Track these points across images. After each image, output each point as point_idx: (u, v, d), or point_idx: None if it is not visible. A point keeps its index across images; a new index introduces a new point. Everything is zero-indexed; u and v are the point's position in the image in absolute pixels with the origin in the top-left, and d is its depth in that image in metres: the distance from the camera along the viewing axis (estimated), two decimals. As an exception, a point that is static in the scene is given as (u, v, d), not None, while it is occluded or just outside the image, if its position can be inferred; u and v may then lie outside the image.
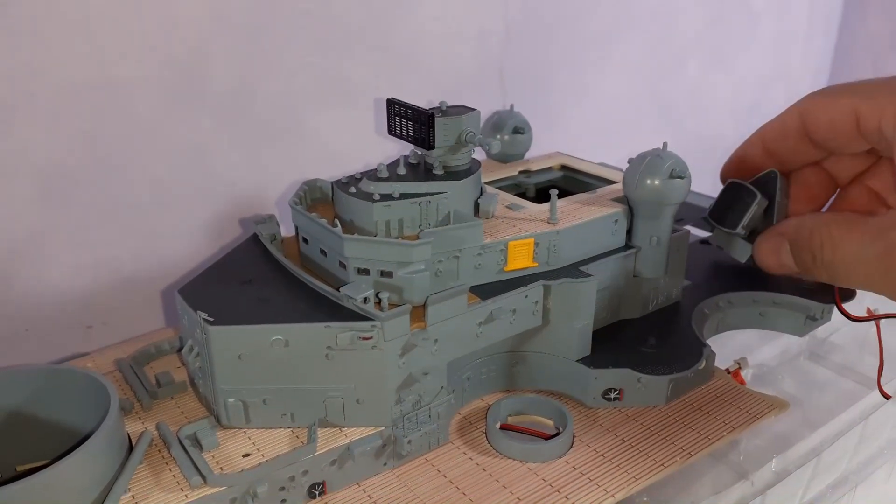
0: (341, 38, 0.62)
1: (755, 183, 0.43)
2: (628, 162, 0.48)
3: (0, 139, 0.49)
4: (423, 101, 0.69)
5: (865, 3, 1.00)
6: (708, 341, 0.54)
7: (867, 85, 0.32)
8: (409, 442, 0.40)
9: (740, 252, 0.47)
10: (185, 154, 0.57)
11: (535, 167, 0.59)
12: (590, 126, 0.83)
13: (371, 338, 0.38)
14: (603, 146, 0.71)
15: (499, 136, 0.59)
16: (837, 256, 0.30)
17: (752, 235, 0.44)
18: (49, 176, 0.52)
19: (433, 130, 0.44)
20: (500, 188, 0.55)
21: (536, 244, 0.45)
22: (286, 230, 0.50)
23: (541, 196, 0.58)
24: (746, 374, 0.55)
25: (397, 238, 0.42)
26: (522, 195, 0.57)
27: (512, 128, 0.59)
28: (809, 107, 0.36)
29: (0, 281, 0.53)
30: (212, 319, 0.38)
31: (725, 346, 0.55)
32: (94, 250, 0.56)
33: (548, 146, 0.68)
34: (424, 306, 0.40)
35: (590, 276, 0.46)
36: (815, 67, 1.06)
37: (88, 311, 0.58)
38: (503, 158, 0.60)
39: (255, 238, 0.48)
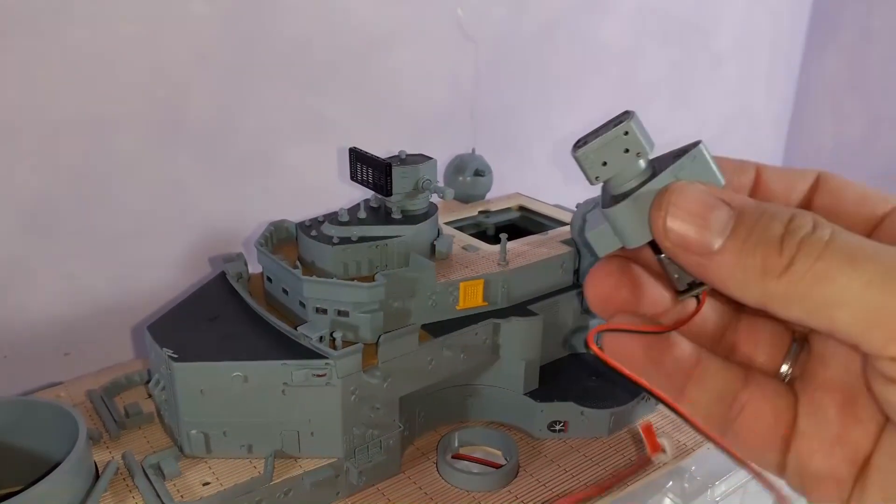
0: (318, 79, 0.65)
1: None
2: (576, 206, 0.51)
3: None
4: (396, 139, 0.73)
5: (823, 47, 1.05)
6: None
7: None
8: (361, 473, 0.43)
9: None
10: (164, 189, 0.60)
11: (494, 207, 0.62)
12: (557, 164, 0.87)
13: (324, 375, 0.41)
14: (568, 184, 0.74)
15: (461, 178, 0.62)
16: (845, 241, 0.17)
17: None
18: (32, 207, 0.55)
19: (391, 179, 0.47)
20: (460, 227, 0.59)
21: (487, 284, 0.48)
22: (256, 268, 0.53)
23: (500, 232, 0.61)
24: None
25: (354, 280, 0.45)
26: (483, 234, 0.61)
27: (473, 170, 0.62)
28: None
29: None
30: (176, 356, 0.41)
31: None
32: (74, 280, 0.59)
33: (516, 183, 0.71)
34: (377, 344, 0.43)
35: (536, 314, 0.49)
36: (776, 108, 1.10)
37: (66, 339, 0.60)
38: (465, 199, 0.63)
39: (222, 276, 0.51)
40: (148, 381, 0.48)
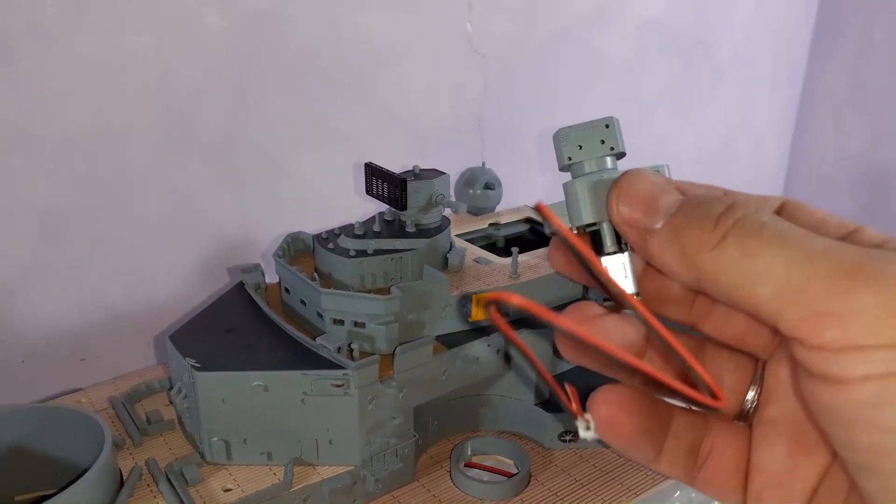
0: (326, 91, 0.67)
1: None
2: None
3: (2, 181, 0.54)
4: (405, 150, 0.74)
5: (825, 60, 1.07)
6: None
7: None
8: (377, 480, 0.44)
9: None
10: (175, 199, 0.62)
11: (504, 220, 0.64)
12: (564, 176, 0.88)
13: (343, 385, 0.42)
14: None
15: (471, 191, 0.64)
16: (777, 224, 0.17)
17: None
18: (47, 216, 0.56)
19: (406, 193, 0.48)
20: (471, 239, 0.60)
21: (499, 297, 0.49)
22: (272, 277, 0.55)
23: (511, 245, 0.63)
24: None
25: (370, 292, 0.46)
26: (493, 245, 0.62)
27: (483, 183, 0.64)
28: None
29: (0, 313, 0.57)
30: (199, 365, 0.42)
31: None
32: (88, 287, 0.60)
33: (522, 192, 0.73)
34: (393, 355, 0.44)
35: (546, 326, 0.50)
36: (778, 121, 1.12)
37: (82, 345, 0.62)
38: (475, 212, 0.64)
39: (240, 286, 0.52)
40: (170, 389, 0.50)
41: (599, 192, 0.21)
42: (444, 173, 0.51)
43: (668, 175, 0.21)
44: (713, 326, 0.22)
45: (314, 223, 0.58)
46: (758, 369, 0.21)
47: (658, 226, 0.19)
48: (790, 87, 1.10)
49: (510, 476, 0.47)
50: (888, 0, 0.98)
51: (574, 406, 0.20)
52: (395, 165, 0.52)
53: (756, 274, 0.17)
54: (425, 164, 0.54)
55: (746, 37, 1.01)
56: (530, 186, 0.82)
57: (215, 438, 0.43)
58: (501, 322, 0.18)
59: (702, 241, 0.18)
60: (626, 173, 0.20)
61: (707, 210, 0.18)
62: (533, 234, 0.63)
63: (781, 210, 0.20)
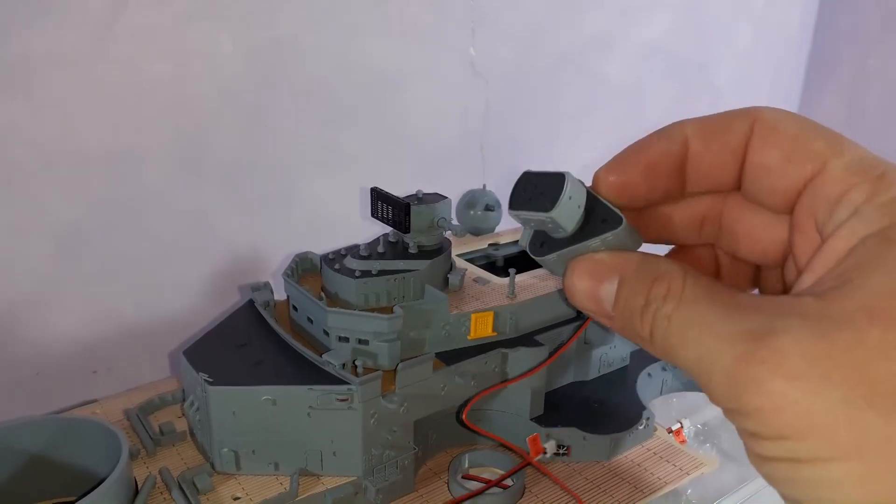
0: (336, 115, 0.70)
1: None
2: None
3: (22, 200, 0.56)
4: (410, 173, 0.77)
5: (821, 87, 1.09)
6: (658, 400, 0.61)
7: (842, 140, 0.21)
8: (378, 491, 0.46)
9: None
10: (189, 219, 0.64)
11: (503, 240, 0.66)
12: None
13: (347, 399, 0.44)
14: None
15: (472, 212, 0.66)
16: (683, 316, 0.19)
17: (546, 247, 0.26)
18: (64, 234, 0.59)
19: (409, 217, 0.51)
20: (471, 259, 0.62)
21: (497, 316, 0.52)
22: (281, 295, 0.57)
23: (509, 264, 0.65)
24: (689, 433, 0.61)
25: (374, 310, 0.49)
26: (492, 265, 0.64)
27: (484, 205, 0.66)
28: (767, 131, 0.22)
29: (17, 326, 0.59)
30: (211, 380, 0.45)
31: (672, 406, 0.62)
32: (102, 302, 0.63)
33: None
34: (395, 371, 0.47)
35: (542, 344, 0.52)
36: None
37: (94, 358, 0.64)
38: (476, 232, 0.67)
39: (251, 303, 0.54)
40: (182, 401, 0.52)
41: (565, 262, 0.24)
42: (446, 197, 0.54)
43: (582, 188, 0.23)
44: (725, 246, 0.26)
45: (322, 243, 0.60)
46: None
47: (611, 313, 0.22)
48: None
49: (506, 488, 0.49)
50: (882, 32, 1.01)
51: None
52: (401, 187, 0.55)
53: (683, 365, 0.20)
54: (430, 186, 0.56)
55: (745, 62, 1.04)
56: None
57: (225, 449, 0.46)
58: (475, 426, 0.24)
59: (640, 336, 0.21)
60: (570, 272, 0.23)
61: (633, 303, 0.21)
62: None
63: (752, 131, 0.22)
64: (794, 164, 0.21)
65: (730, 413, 0.18)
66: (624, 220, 0.23)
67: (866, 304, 0.17)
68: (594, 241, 0.23)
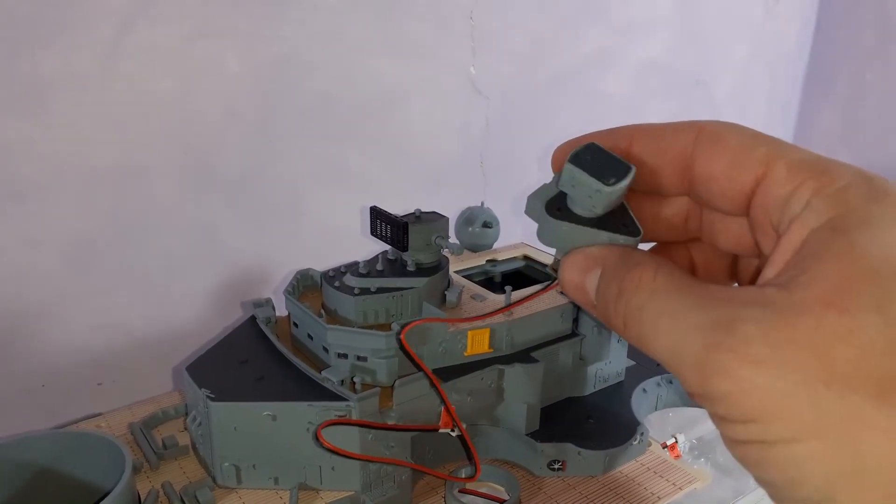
0: (340, 132, 0.71)
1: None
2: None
3: (34, 214, 0.58)
4: (411, 188, 0.78)
5: (819, 101, 1.10)
6: (654, 415, 0.62)
7: (783, 145, 0.22)
8: (376, 505, 0.47)
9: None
10: (195, 234, 0.66)
11: (501, 257, 0.67)
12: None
13: (345, 415, 0.45)
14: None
15: (470, 229, 0.67)
16: (654, 307, 0.20)
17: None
18: (74, 247, 0.60)
19: (407, 235, 0.52)
20: (469, 275, 0.63)
21: (493, 332, 0.53)
22: (283, 311, 0.58)
23: (506, 280, 0.66)
24: (684, 448, 0.62)
25: (373, 327, 0.50)
26: (490, 281, 0.65)
27: (482, 222, 0.67)
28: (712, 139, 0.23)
29: (25, 338, 0.61)
30: (213, 396, 0.46)
31: (669, 421, 0.63)
32: (109, 315, 0.64)
33: (521, 228, 0.76)
34: (393, 388, 0.48)
35: (537, 361, 0.53)
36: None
37: (99, 370, 0.65)
38: (474, 249, 0.68)
39: (252, 319, 0.56)
40: (185, 416, 0.53)
41: (572, 238, 0.24)
42: (444, 216, 0.55)
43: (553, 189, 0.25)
44: (707, 239, 0.26)
45: (324, 259, 0.62)
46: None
47: (593, 301, 0.24)
48: (784, 126, 1.14)
49: (502, 502, 0.50)
50: (879, 47, 1.02)
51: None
52: (403, 202, 0.56)
53: (655, 355, 0.21)
54: (431, 200, 0.58)
55: (743, 78, 1.05)
56: (528, 224, 0.86)
57: (227, 464, 0.47)
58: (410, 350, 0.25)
59: (615, 325, 0.22)
60: (565, 261, 0.25)
61: (608, 293, 0.23)
62: (528, 271, 0.67)
63: (697, 139, 0.23)
64: (739, 171, 0.22)
65: (701, 398, 0.19)
66: (641, 234, 0.24)
67: (821, 292, 0.18)
68: (604, 235, 0.24)
